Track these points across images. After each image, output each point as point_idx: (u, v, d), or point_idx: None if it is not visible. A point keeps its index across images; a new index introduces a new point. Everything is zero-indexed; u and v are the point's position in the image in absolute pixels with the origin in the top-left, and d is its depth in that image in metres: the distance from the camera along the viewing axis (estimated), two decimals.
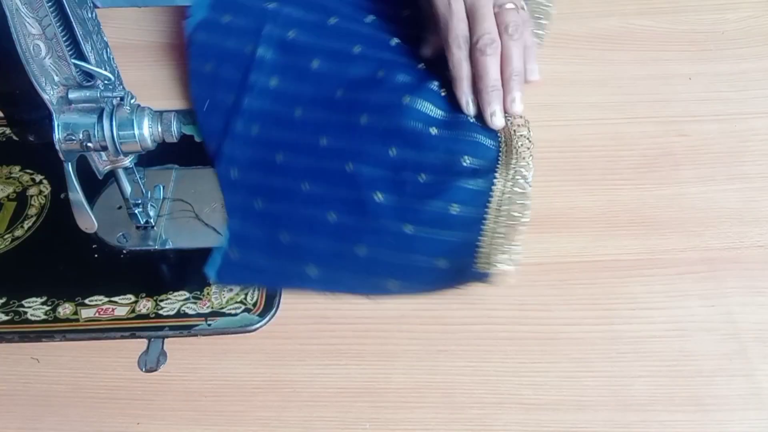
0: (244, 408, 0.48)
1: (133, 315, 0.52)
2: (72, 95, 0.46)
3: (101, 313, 0.52)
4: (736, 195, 0.55)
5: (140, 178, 0.53)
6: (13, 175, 0.60)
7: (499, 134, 0.56)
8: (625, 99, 0.62)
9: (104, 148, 0.46)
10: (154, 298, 0.52)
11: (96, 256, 0.55)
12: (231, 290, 0.53)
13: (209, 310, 0.52)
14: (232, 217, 0.54)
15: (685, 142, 0.59)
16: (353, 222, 0.52)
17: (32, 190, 0.59)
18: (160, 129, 0.47)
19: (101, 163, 0.50)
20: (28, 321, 0.51)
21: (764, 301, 0.50)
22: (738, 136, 0.58)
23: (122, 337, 0.51)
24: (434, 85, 0.58)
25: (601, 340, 0.49)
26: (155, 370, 0.50)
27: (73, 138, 0.45)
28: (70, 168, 0.46)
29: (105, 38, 0.49)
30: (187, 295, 0.53)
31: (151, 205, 0.54)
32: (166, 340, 0.51)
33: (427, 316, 0.51)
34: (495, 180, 0.53)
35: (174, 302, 0.52)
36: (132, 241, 0.56)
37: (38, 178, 0.60)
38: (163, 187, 0.56)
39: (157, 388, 0.49)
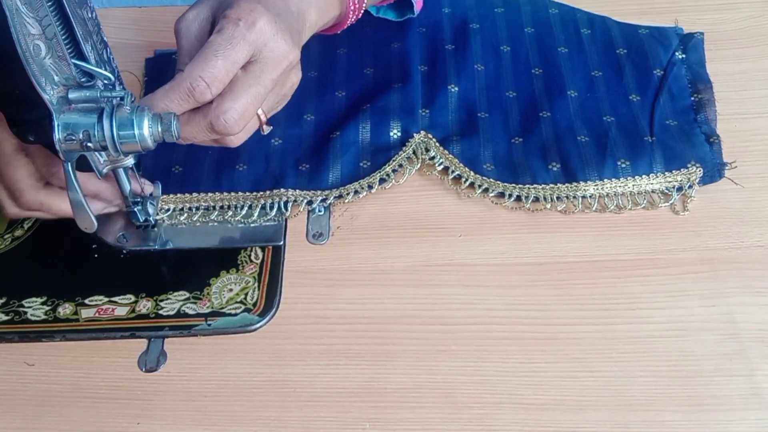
0: (244, 408, 0.48)
1: (133, 315, 0.52)
2: (72, 95, 0.46)
3: (101, 313, 0.52)
4: (736, 195, 0.55)
5: (140, 176, 0.53)
6: None
7: None
8: None
9: (104, 148, 0.46)
10: (154, 298, 0.52)
11: (96, 256, 0.55)
12: (231, 290, 0.53)
13: (209, 310, 0.52)
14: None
15: None
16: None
17: None
18: (160, 129, 0.47)
19: (101, 163, 0.50)
20: (28, 321, 0.51)
21: (764, 301, 0.50)
22: (738, 136, 0.58)
23: (122, 337, 0.51)
24: None
25: (601, 340, 0.49)
26: (155, 370, 0.50)
27: (73, 138, 0.45)
28: (69, 168, 0.46)
29: (105, 38, 0.49)
30: (187, 295, 0.53)
31: (150, 202, 0.54)
32: (166, 340, 0.51)
33: (427, 316, 0.51)
34: None
35: (174, 302, 0.52)
36: (132, 241, 0.56)
37: None
38: (161, 184, 0.56)
39: (157, 388, 0.49)
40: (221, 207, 0.57)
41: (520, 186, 0.56)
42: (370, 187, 0.57)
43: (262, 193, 0.57)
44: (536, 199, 0.55)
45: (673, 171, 0.55)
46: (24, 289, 0.53)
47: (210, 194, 0.57)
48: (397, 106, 0.61)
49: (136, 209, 0.54)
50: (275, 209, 0.56)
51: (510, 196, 0.56)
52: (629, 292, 0.51)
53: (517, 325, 0.50)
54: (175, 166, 0.59)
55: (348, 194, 0.57)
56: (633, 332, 0.49)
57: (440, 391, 0.47)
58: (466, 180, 0.57)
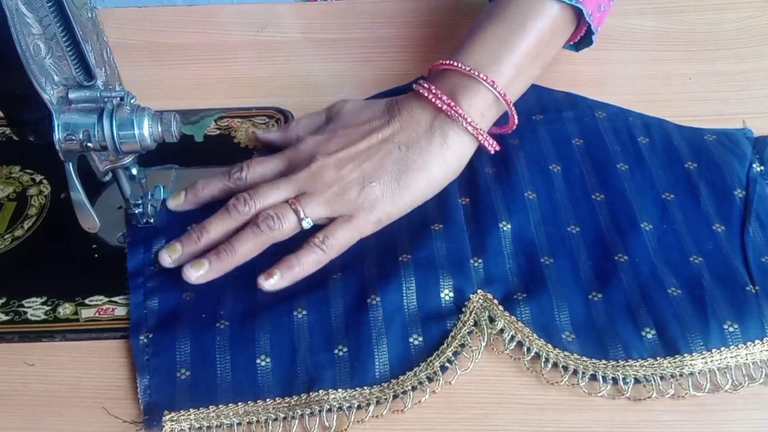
0: None
1: None
2: (72, 95, 0.46)
3: (101, 313, 0.52)
4: None
5: (140, 178, 0.53)
6: (13, 175, 0.60)
7: None
8: (624, 99, 0.62)
9: (104, 148, 0.46)
10: None
11: (96, 256, 0.55)
12: None
13: None
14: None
15: None
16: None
17: (32, 190, 0.59)
18: (160, 129, 0.47)
19: (101, 163, 0.50)
20: (28, 321, 0.51)
21: None
22: None
23: (122, 337, 0.51)
24: None
25: None
26: None
27: (73, 138, 0.45)
28: (71, 168, 0.46)
29: (105, 38, 0.49)
30: None
31: (152, 205, 0.54)
32: None
33: None
34: None
35: None
36: None
37: (38, 178, 0.60)
38: (164, 188, 0.56)
39: None
40: (248, 423, 0.46)
41: (614, 363, 0.46)
42: (430, 380, 0.47)
43: (297, 398, 0.46)
44: (636, 381, 0.46)
45: None
46: (24, 289, 0.53)
47: (231, 406, 0.46)
48: (443, 256, 0.51)
49: (137, 212, 0.54)
50: (317, 424, 0.45)
51: (604, 379, 0.46)
52: None
53: None
54: (181, 369, 0.48)
55: (405, 393, 0.46)
56: None
57: (440, 391, 0.47)
58: (547, 360, 0.47)
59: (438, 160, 0.53)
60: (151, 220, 0.55)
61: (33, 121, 0.45)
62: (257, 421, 0.46)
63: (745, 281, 0.49)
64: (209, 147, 0.61)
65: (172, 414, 0.46)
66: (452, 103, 0.53)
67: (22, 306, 0.52)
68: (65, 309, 0.52)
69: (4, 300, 0.52)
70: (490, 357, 0.48)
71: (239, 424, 0.46)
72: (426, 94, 0.53)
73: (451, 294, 0.50)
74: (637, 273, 0.50)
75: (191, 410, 0.46)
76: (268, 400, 0.46)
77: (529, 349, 0.48)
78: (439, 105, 0.53)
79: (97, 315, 0.52)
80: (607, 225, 0.53)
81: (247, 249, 0.51)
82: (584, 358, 0.47)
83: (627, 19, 0.67)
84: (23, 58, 0.41)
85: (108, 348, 0.51)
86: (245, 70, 0.68)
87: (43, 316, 0.52)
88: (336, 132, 0.54)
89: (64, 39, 0.45)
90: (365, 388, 0.46)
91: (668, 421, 0.45)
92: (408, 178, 0.52)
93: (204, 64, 0.69)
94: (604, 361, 0.47)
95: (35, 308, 0.52)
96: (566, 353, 0.47)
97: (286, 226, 0.51)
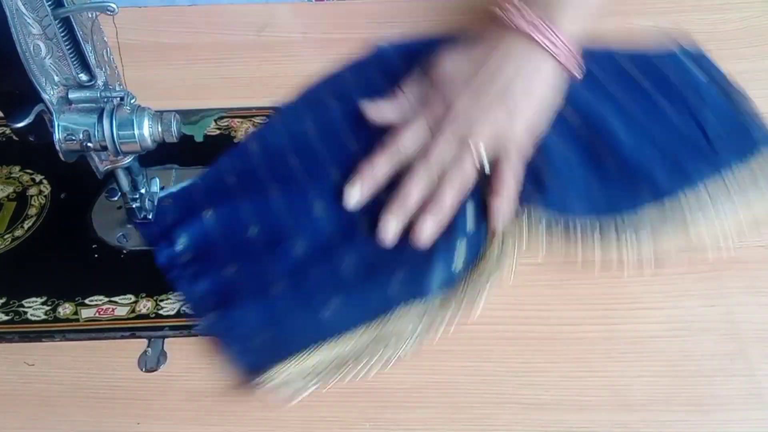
0: (244, 408, 0.48)
1: (133, 315, 0.52)
2: (72, 95, 0.46)
3: (101, 313, 0.52)
4: None
5: (139, 176, 0.53)
6: (13, 175, 0.60)
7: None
8: None
9: (104, 148, 0.46)
10: (154, 298, 0.52)
11: (96, 256, 0.55)
12: None
13: None
14: None
15: None
16: None
17: (32, 190, 0.59)
18: (160, 129, 0.47)
19: (101, 163, 0.50)
20: (28, 321, 0.51)
21: (764, 301, 0.50)
22: None
23: (122, 337, 0.51)
24: None
25: (601, 340, 0.49)
26: (155, 370, 0.50)
27: (73, 138, 0.45)
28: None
29: (105, 38, 0.49)
30: None
31: (149, 200, 0.54)
32: (166, 340, 0.51)
33: None
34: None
35: (174, 302, 0.52)
36: (132, 241, 0.56)
37: (38, 178, 0.60)
38: (159, 180, 0.56)
39: (157, 388, 0.49)
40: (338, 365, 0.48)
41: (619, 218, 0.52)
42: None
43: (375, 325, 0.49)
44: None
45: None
46: (24, 289, 0.53)
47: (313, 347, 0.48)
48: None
49: (134, 206, 0.54)
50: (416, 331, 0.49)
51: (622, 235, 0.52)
52: (629, 292, 0.51)
53: (517, 325, 0.50)
54: (260, 333, 0.49)
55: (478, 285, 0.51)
56: (633, 332, 0.49)
57: (441, 391, 0.47)
58: (556, 224, 0.53)
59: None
60: (149, 216, 0.55)
61: (33, 121, 0.45)
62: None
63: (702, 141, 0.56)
64: (209, 147, 0.61)
65: (275, 368, 0.47)
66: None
67: (22, 306, 0.52)
68: (65, 309, 0.52)
69: (4, 300, 0.52)
70: (490, 357, 0.49)
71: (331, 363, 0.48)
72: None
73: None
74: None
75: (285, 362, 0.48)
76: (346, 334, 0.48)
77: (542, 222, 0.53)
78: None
79: (97, 315, 0.52)
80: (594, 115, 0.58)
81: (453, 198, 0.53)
82: (592, 217, 0.52)
83: (627, 19, 0.67)
84: (23, 58, 0.41)
85: (108, 348, 0.51)
86: (245, 70, 0.68)
87: (43, 316, 0.52)
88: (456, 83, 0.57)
89: (64, 39, 0.45)
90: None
91: (668, 421, 0.45)
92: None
93: (204, 64, 0.69)
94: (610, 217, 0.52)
95: (35, 308, 0.52)
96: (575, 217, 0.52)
97: (468, 166, 0.54)
